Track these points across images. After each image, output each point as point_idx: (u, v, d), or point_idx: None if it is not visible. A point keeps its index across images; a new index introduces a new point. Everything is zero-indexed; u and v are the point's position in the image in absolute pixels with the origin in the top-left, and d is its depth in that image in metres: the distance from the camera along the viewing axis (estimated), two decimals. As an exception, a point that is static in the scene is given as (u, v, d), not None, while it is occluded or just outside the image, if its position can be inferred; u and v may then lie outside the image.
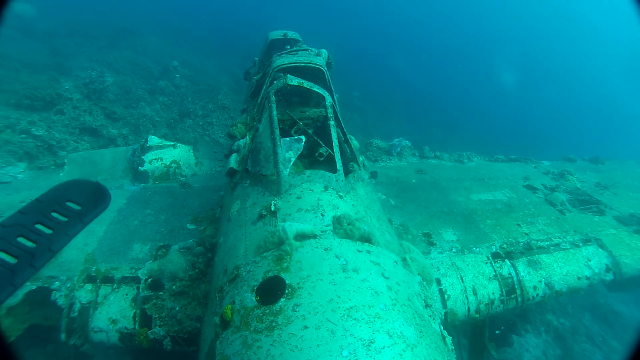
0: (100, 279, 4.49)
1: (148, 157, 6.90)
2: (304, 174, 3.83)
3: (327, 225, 3.18)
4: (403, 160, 8.66)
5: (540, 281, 5.19)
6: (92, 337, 4.12)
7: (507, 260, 5.31)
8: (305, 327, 2.24)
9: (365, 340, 2.15)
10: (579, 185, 7.91)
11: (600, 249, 5.80)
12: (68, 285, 4.40)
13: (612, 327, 10.10)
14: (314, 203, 3.47)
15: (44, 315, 4.40)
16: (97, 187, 1.59)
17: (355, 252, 2.86)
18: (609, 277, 5.58)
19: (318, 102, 5.33)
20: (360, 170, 4.48)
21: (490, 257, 5.31)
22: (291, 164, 4.16)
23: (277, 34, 8.71)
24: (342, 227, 3.10)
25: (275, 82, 4.73)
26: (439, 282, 4.83)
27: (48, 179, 6.89)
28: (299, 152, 4.35)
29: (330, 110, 4.52)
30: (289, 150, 4.29)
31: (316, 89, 4.71)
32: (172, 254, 4.59)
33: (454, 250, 5.40)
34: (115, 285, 4.44)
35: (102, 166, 7.03)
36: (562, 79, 39.00)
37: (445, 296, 4.74)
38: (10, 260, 1.21)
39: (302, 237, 2.98)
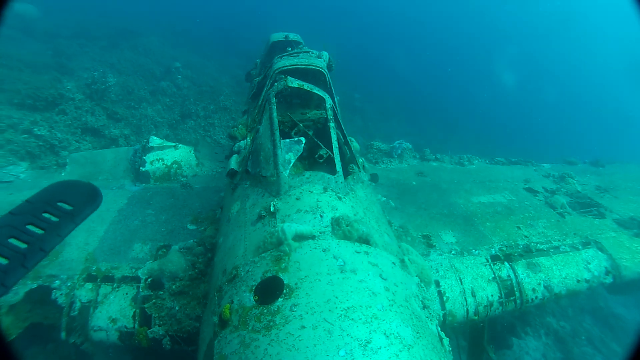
0: (100, 278, 4.53)
1: (149, 157, 6.94)
2: (304, 175, 3.85)
3: (325, 227, 3.20)
4: (404, 163, 8.67)
5: (539, 284, 5.20)
6: (92, 335, 4.14)
7: (506, 263, 5.33)
8: (303, 327, 2.25)
9: (362, 340, 2.16)
10: (580, 188, 7.93)
11: (600, 252, 5.81)
12: (68, 284, 4.43)
13: (612, 330, 10.08)
14: (313, 204, 3.49)
15: (44, 314, 4.43)
16: (88, 187, 1.60)
17: (353, 253, 2.87)
18: (609, 280, 5.59)
19: (319, 104, 5.36)
20: (359, 172, 4.50)
21: (490, 260, 5.33)
22: (291, 165, 4.18)
23: (278, 36, 8.75)
24: (341, 228, 3.12)
25: (275, 84, 4.76)
26: (437, 284, 4.84)
27: (50, 178, 6.92)
28: (299, 154, 4.37)
29: (330, 112, 4.54)
30: (289, 152, 4.31)
31: (316, 91, 4.73)
32: (172, 254, 4.62)
33: (453, 252, 5.42)
34: (115, 285, 4.46)
35: (104, 166, 7.06)
36: (563, 80, 39.03)
37: (444, 298, 4.76)
38: (2, 261, 1.22)
39: (300, 237, 3.00)
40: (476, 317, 4.84)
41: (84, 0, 23.61)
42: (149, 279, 4.44)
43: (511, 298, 5.03)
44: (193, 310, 4.07)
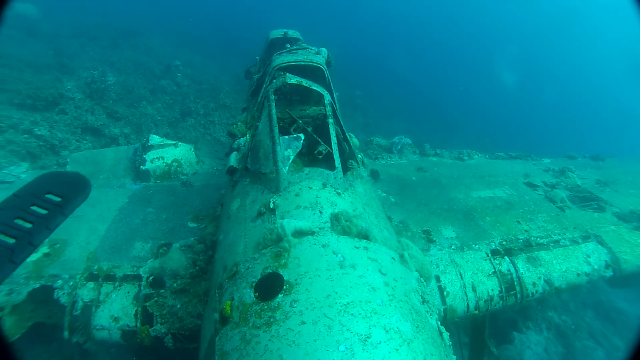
0: (102, 277, 4.54)
1: (149, 156, 6.95)
2: (303, 171, 3.86)
3: (325, 222, 3.21)
4: (403, 158, 8.68)
5: (539, 278, 5.20)
6: (95, 334, 4.16)
7: (506, 257, 5.33)
8: (303, 323, 2.26)
9: (361, 335, 2.17)
10: (580, 183, 7.92)
11: (599, 246, 5.81)
12: (71, 284, 4.45)
13: (614, 324, 10.08)
14: (312, 200, 3.50)
15: (47, 314, 4.46)
16: (77, 177, 1.57)
17: (352, 249, 2.88)
18: (609, 273, 5.60)
19: (318, 101, 5.35)
20: (359, 167, 4.51)
21: (490, 254, 5.33)
22: (290, 161, 4.18)
23: (277, 33, 8.74)
24: (340, 224, 3.13)
25: (274, 80, 4.75)
26: (438, 279, 4.85)
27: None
28: (298, 150, 4.37)
29: (329, 109, 4.54)
30: (288, 148, 4.31)
31: (315, 87, 4.74)
32: (173, 252, 4.63)
33: (453, 247, 5.42)
34: (117, 283, 4.48)
35: (104, 165, 7.07)
36: (562, 78, 38.92)
37: (445, 293, 4.76)
38: None
39: (300, 233, 3.01)
40: (477, 312, 4.85)
41: (85, 0, 23.61)
42: (151, 277, 4.45)
43: (512, 292, 5.03)
44: (194, 307, 4.09)
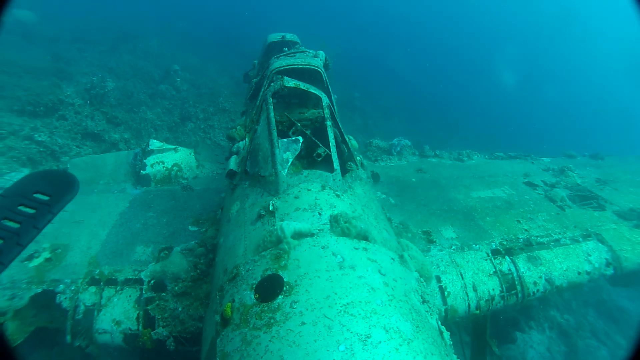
0: (103, 282, 4.56)
1: (150, 160, 6.97)
2: (302, 174, 3.88)
3: (324, 224, 3.22)
4: (403, 160, 8.69)
5: (540, 277, 5.21)
6: (97, 338, 4.18)
7: (507, 257, 5.34)
8: (303, 323, 2.27)
9: (361, 335, 2.18)
10: (579, 181, 7.93)
11: (600, 244, 5.81)
12: (72, 288, 4.47)
13: (616, 323, 10.07)
14: (312, 202, 3.52)
15: (49, 318, 4.47)
16: (64, 175, 1.56)
17: (352, 250, 2.90)
18: (610, 271, 5.59)
19: (316, 104, 5.38)
20: (358, 169, 4.52)
21: (490, 254, 5.33)
22: (289, 164, 4.20)
23: (275, 37, 8.77)
24: (339, 226, 3.15)
25: (272, 84, 4.79)
26: (438, 279, 4.86)
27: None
28: (297, 153, 4.40)
29: (327, 111, 4.57)
30: (287, 151, 4.34)
31: (313, 90, 4.76)
32: (174, 256, 4.66)
33: (453, 247, 5.43)
34: (118, 287, 4.50)
35: (105, 170, 7.09)
36: (562, 77, 38.90)
37: (445, 293, 4.77)
38: None
39: (299, 235, 3.02)
40: (478, 312, 4.86)
41: (81, 4, 23.69)
42: (152, 281, 4.47)
43: (512, 292, 5.03)
44: (196, 310, 4.11)
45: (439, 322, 2.89)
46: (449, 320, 4.70)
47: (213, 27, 29.11)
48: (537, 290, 5.16)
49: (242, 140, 5.15)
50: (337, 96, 6.76)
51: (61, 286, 4.47)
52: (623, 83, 38.16)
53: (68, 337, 4.23)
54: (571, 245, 5.71)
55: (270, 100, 4.54)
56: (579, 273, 5.40)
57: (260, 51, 9.03)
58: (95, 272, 4.67)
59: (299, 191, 3.71)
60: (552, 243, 5.72)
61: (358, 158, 4.88)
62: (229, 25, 30.80)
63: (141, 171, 6.86)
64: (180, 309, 4.15)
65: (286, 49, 7.17)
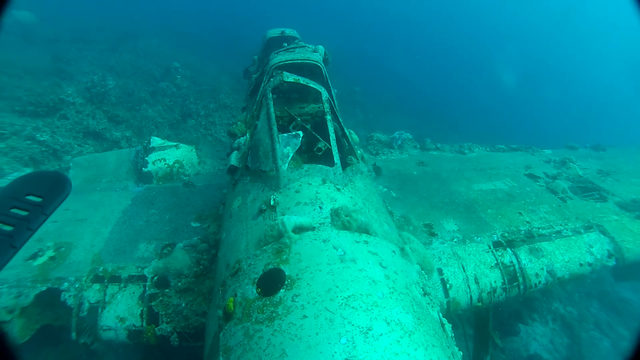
0: (107, 279, 4.59)
1: (151, 158, 6.99)
2: (302, 168, 3.88)
3: (325, 218, 3.23)
4: (404, 153, 8.68)
5: (542, 268, 5.20)
6: (102, 335, 4.21)
7: (508, 249, 5.33)
8: (305, 317, 2.29)
9: (363, 327, 2.19)
10: (581, 173, 7.89)
11: (602, 235, 5.79)
12: (77, 286, 4.50)
13: (620, 314, 10.08)
14: (312, 196, 3.53)
15: (54, 316, 4.51)
16: (56, 176, 1.56)
17: (352, 243, 2.91)
18: (612, 263, 5.58)
19: (316, 98, 5.37)
20: (358, 163, 4.53)
21: (492, 246, 5.33)
22: (289, 159, 4.20)
23: (274, 32, 8.74)
24: (340, 219, 3.15)
25: (272, 79, 4.79)
26: (440, 272, 4.86)
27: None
28: (297, 147, 4.40)
29: (326, 106, 4.57)
30: (287, 146, 4.34)
31: (312, 84, 4.76)
32: (177, 252, 4.68)
33: (455, 240, 5.43)
34: (122, 284, 4.53)
35: (107, 169, 7.12)
36: (563, 74, 38.72)
37: (447, 285, 4.77)
38: None
39: (300, 229, 3.03)
40: (480, 304, 4.87)
41: (80, 5, 23.66)
42: (155, 278, 4.50)
43: (514, 284, 5.03)
44: (199, 306, 4.14)
45: (441, 315, 2.90)
46: (451, 312, 4.71)
47: (213, 27, 29.03)
48: (539, 282, 5.16)
49: (242, 136, 5.15)
50: (338, 91, 6.76)
51: (65, 284, 4.51)
52: (623, 78, 37.92)
53: (73, 334, 4.27)
54: (573, 237, 5.69)
55: (270, 95, 4.54)
56: (581, 264, 5.39)
57: (260, 47, 9.02)
58: (98, 270, 4.71)
59: (300, 185, 3.71)
60: (554, 235, 5.70)
61: (359, 152, 4.89)
62: (228, 25, 30.72)
63: (143, 168, 6.89)
64: (183, 305, 4.18)
65: (285, 44, 7.15)
